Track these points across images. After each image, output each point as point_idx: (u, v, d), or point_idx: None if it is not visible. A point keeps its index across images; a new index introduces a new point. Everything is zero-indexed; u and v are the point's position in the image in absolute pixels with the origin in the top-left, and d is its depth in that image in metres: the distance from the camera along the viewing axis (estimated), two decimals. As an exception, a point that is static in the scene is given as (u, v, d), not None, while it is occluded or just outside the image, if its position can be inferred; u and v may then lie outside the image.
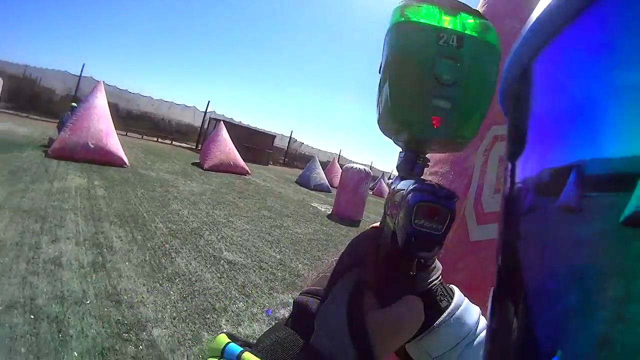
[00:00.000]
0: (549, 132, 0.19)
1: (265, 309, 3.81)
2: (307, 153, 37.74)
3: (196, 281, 4.03)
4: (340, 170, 14.00)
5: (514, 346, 0.19)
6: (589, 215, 0.15)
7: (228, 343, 0.39)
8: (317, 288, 0.46)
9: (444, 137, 0.43)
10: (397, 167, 0.51)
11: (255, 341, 0.42)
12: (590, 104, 0.16)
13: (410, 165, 0.48)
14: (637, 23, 0.14)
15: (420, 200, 0.35)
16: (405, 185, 0.40)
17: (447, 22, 0.43)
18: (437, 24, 0.42)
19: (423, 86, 0.42)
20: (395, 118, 0.44)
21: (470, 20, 0.44)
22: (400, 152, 0.50)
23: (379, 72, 0.48)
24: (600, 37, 0.16)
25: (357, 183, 10.92)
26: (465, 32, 0.43)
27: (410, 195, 0.36)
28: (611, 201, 0.14)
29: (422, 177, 0.48)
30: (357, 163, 11.86)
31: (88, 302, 3.08)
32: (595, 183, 0.15)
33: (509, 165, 0.22)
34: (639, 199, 0.13)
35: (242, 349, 0.38)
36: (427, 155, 0.49)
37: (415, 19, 0.43)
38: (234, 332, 0.43)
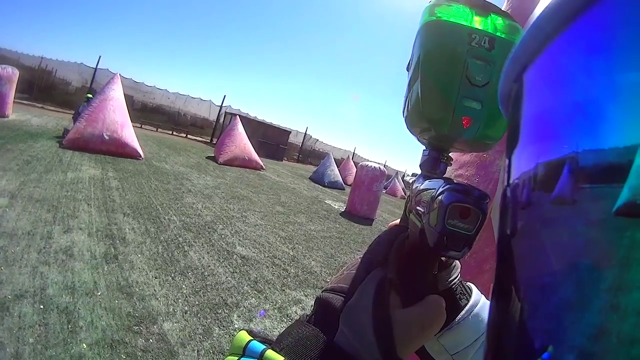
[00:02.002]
0: (543, 128, 0.20)
1: (277, 306, 3.76)
2: (321, 150, 38.05)
3: (209, 275, 4.00)
4: (354, 168, 13.94)
5: (509, 340, 0.20)
6: (582, 207, 0.16)
7: (250, 341, 0.38)
8: (342, 285, 0.45)
9: (472, 137, 0.44)
10: (420, 165, 0.52)
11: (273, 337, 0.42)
12: (584, 99, 0.16)
13: (434, 163, 0.50)
14: (628, 27, 0.14)
15: (454, 200, 0.35)
16: (435, 184, 0.40)
17: (477, 22, 0.44)
18: (468, 24, 0.44)
19: (455, 86, 0.43)
20: (425, 116, 0.45)
21: (500, 22, 0.45)
22: (424, 150, 0.52)
23: (407, 70, 0.50)
24: (589, 41, 0.17)
25: (371, 181, 10.85)
26: (497, 33, 0.44)
27: (444, 195, 0.36)
28: (604, 192, 0.15)
29: (445, 175, 0.49)
30: (371, 161, 11.78)
31: (99, 293, 3.06)
32: (588, 175, 0.16)
33: (506, 162, 0.23)
34: (631, 189, 0.13)
35: (264, 346, 0.37)
36: (451, 160, 0.51)
37: (446, 18, 0.44)
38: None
